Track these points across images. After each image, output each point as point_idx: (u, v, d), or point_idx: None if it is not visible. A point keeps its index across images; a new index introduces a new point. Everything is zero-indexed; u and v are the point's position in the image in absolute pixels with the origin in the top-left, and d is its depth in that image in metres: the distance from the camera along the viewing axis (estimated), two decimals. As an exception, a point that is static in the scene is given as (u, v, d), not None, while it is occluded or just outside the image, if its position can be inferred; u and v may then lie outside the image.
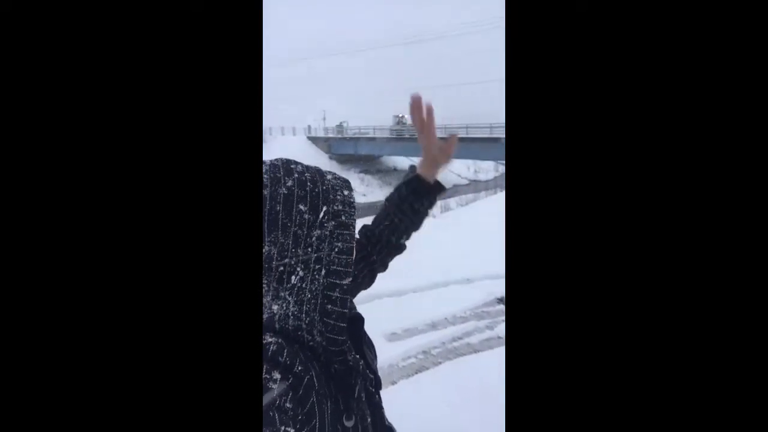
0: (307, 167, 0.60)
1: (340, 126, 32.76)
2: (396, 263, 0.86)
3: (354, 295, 0.75)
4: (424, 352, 3.39)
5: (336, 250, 0.56)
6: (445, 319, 3.93)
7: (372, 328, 0.69)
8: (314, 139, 31.05)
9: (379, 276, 0.85)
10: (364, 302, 0.75)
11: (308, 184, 0.57)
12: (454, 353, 3.37)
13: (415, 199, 0.82)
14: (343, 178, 0.62)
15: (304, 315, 0.54)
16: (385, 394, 0.66)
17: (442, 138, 0.81)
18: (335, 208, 0.57)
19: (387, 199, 0.84)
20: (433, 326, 3.81)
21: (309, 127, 34.03)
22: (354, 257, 0.61)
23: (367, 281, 0.82)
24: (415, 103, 0.76)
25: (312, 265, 0.55)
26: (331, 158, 28.61)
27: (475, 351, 3.38)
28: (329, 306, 0.55)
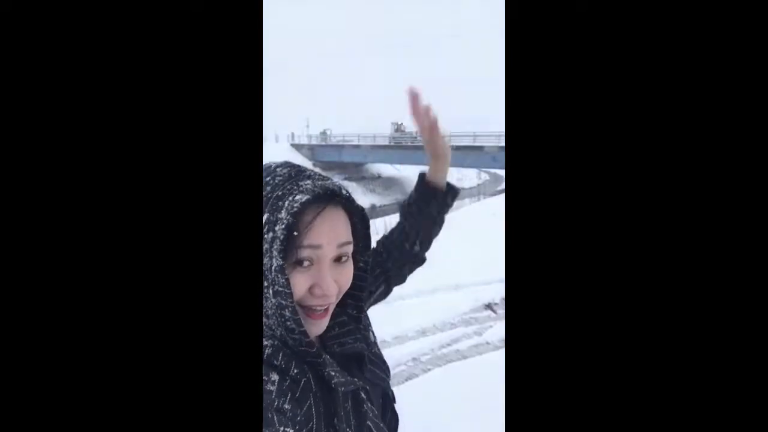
0: (294, 170, 0.54)
1: (323, 133, 32.68)
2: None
3: (369, 307, 0.73)
4: (414, 359, 3.38)
5: (275, 267, 0.50)
6: (434, 325, 3.93)
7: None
8: (298, 147, 30.94)
9: None
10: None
11: (267, 187, 0.52)
12: (444, 360, 3.37)
13: (422, 203, 0.77)
14: (320, 183, 0.53)
15: (278, 326, 0.53)
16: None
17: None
18: (277, 216, 0.50)
19: (399, 204, 0.81)
20: (423, 333, 3.80)
21: (292, 134, 33.89)
22: (369, 266, 0.60)
23: (383, 292, 0.78)
24: (415, 99, 0.69)
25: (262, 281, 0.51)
26: (314, 165, 28.56)
27: (464, 357, 3.38)
28: (288, 323, 0.51)
